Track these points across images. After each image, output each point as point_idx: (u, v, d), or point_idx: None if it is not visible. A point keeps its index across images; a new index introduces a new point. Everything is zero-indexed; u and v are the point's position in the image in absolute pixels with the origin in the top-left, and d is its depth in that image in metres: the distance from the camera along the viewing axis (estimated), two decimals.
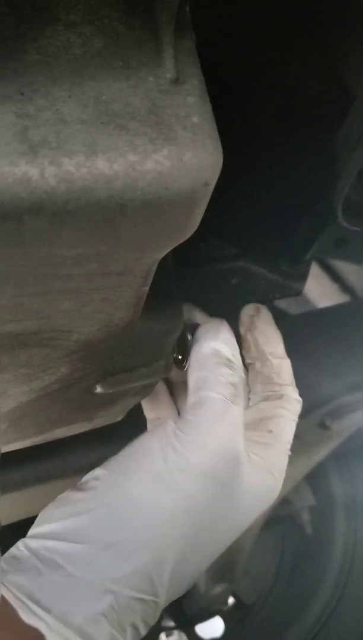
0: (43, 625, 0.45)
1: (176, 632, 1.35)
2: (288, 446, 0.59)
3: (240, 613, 1.37)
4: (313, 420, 0.97)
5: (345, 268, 1.44)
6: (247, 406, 0.61)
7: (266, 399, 0.61)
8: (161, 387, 0.67)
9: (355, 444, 1.13)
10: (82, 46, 0.35)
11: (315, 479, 1.29)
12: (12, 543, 0.52)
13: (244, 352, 0.64)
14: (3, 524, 0.73)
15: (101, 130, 0.34)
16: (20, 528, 0.56)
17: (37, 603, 0.46)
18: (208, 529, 0.53)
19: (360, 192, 0.56)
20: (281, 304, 1.18)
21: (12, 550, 0.51)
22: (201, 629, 1.34)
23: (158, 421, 0.66)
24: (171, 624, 1.33)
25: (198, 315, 0.62)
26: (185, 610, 1.27)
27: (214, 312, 0.65)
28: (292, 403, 0.61)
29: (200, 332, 0.60)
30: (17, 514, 0.76)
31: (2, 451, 0.61)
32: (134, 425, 0.68)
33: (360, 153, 0.52)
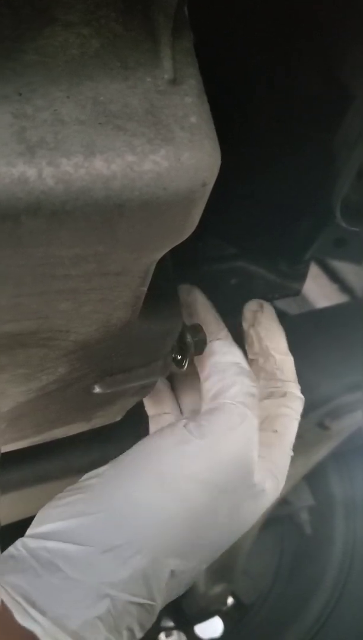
0: (38, 629, 0.45)
1: (175, 632, 1.35)
2: (291, 446, 0.59)
3: (239, 613, 1.37)
4: (313, 420, 0.97)
5: (345, 268, 1.44)
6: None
7: (270, 396, 0.61)
8: (162, 384, 0.67)
9: (355, 444, 1.13)
10: (80, 46, 0.35)
11: (314, 479, 1.29)
12: (11, 543, 0.52)
13: (247, 348, 0.63)
14: (3, 523, 0.73)
15: (98, 131, 0.34)
16: (20, 528, 0.56)
17: (33, 605, 0.46)
18: (209, 534, 0.52)
19: (358, 191, 0.56)
20: (281, 304, 1.18)
21: (10, 549, 0.50)
22: (200, 629, 1.34)
23: (163, 419, 0.65)
24: (171, 624, 1.33)
25: (198, 295, 0.62)
26: (184, 611, 1.27)
27: None
28: (295, 401, 0.60)
29: (216, 344, 0.59)
30: (16, 514, 0.76)
31: (2, 451, 0.61)
32: (133, 425, 0.68)
33: (359, 152, 0.52)
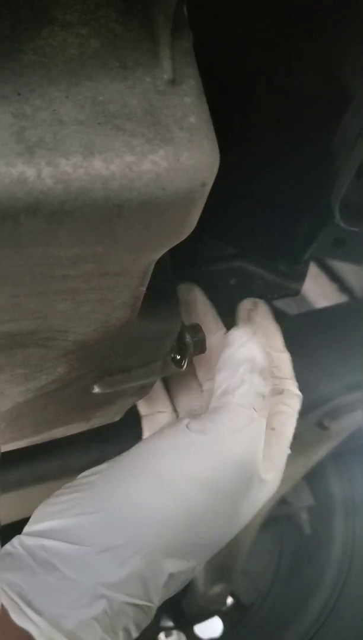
0: (34, 629, 0.45)
1: (174, 632, 1.35)
2: (289, 443, 0.59)
3: (239, 613, 1.37)
4: (312, 420, 0.97)
5: (344, 268, 1.43)
6: None
7: None
8: (156, 383, 0.66)
9: (354, 444, 1.13)
10: (79, 47, 0.35)
11: (313, 479, 1.29)
12: None
13: None
14: (3, 523, 0.73)
15: (97, 131, 0.34)
16: (18, 528, 0.56)
17: (29, 604, 0.46)
18: (208, 534, 0.52)
19: (358, 191, 0.56)
20: (280, 304, 1.18)
21: (7, 546, 0.50)
22: (199, 629, 1.34)
23: (157, 418, 0.65)
24: (170, 624, 1.33)
25: (197, 294, 0.61)
26: (184, 610, 1.27)
27: None
28: (293, 398, 0.60)
29: (234, 334, 0.57)
30: (15, 514, 0.76)
31: (1, 451, 0.61)
32: (132, 425, 0.68)
33: (358, 152, 0.53)
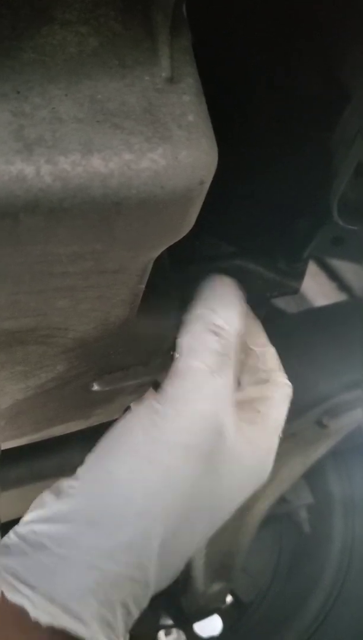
0: (27, 602, 0.45)
1: (174, 631, 1.35)
2: (278, 426, 0.58)
3: (238, 611, 1.37)
4: (311, 418, 0.97)
5: (343, 267, 1.43)
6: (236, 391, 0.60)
7: (254, 384, 0.60)
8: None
9: (353, 442, 1.13)
10: (78, 45, 0.36)
11: (312, 477, 1.29)
12: None
13: None
14: (2, 520, 0.73)
15: (96, 129, 0.34)
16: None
17: (23, 582, 0.46)
18: (194, 502, 0.52)
19: (356, 189, 0.56)
20: (279, 302, 1.18)
21: (4, 540, 0.51)
22: (199, 627, 1.34)
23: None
24: (170, 622, 1.33)
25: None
26: (183, 609, 1.27)
27: None
28: (280, 386, 0.59)
29: (197, 292, 0.57)
30: (14, 512, 0.77)
31: (1, 448, 0.61)
32: None
33: (356, 150, 0.53)
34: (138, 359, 0.58)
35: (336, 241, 0.68)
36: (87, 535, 0.49)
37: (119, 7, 0.37)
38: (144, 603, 0.50)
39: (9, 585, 0.46)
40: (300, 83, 0.55)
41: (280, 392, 0.59)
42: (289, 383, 0.60)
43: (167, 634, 1.34)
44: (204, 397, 0.52)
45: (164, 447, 0.51)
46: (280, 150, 0.59)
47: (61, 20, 0.35)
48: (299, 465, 1.07)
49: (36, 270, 0.39)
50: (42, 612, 0.45)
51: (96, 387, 0.57)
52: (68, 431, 0.66)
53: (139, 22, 0.37)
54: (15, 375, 0.50)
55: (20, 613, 0.45)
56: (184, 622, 1.33)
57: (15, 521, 0.52)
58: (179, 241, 0.41)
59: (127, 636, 0.50)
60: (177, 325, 0.57)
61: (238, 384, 0.61)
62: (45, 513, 0.50)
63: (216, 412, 0.53)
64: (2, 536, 0.51)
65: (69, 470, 0.54)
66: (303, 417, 0.94)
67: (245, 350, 0.61)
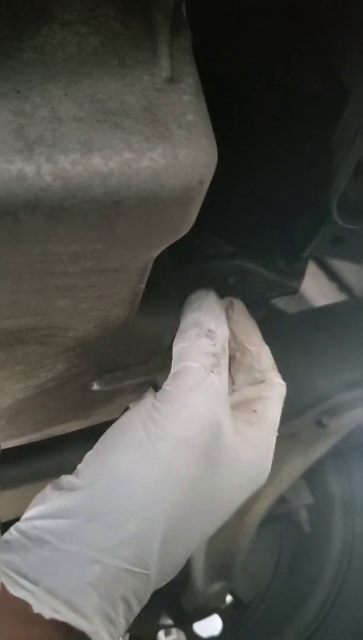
0: (30, 596, 0.46)
1: (174, 630, 1.35)
2: (275, 426, 0.59)
3: (238, 611, 1.37)
4: (311, 418, 0.97)
5: (343, 267, 1.44)
6: (231, 392, 0.60)
7: (249, 384, 0.61)
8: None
9: (353, 442, 1.13)
10: (78, 45, 0.36)
11: (312, 477, 1.29)
12: None
13: None
14: (2, 520, 0.73)
15: (96, 128, 0.34)
16: None
17: (25, 577, 0.47)
18: (195, 500, 0.52)
19: (356, 189, 0.56)
20: (279, 302, 1.18)
21: (5, 535, 0.51)
22: (199, 627, 1.34)
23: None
24: (169, 622, 1.33)
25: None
26: (183, 608, 1.27)
27: None
28: (275, 386, 0.61)
29: (185, 303, 0.60)
30: (14, 511, 0.77)
31: (1, 448, 0.61)
32: None
33: (356, 149, 0.53)
34: (137, 358, 0.58)
35: (336, 241, 0.68)
36: (89, 530, 0.49)
37: (119, 7, 0.37)
38: (145, 598, 0.51)
39: (11, 580, 0.46)
40: (300, 81, 0.55)
41: (275, 392, 0.60)
42: (283, 382, 0.62)
43: (167, 634, 1.35)
44: (203, 395, 0.53)
45: (164, 443, 0.52)
46: (279, 148, 0.59)
47: (61, 20, 0.35)
48: (299, 465, 1.07)
49: (36, 270, 0.39)
50: (45, 606, 0.45)
51: (95, 387, 0.57)
52: (68, 431, 0.66)
53: (139, 22, 0.37)
54: (15, 375, 0.51)
55: (21, 608, 0.46)
56: (184, 622, 1.33)
57: (16, 521, 0.53)
58: (179, 240, 0.41)
59: (127, 635, 0.50)
60: (177, 325, 0.57)
61: (233, 382, 0.62)
62: (46, 509, 0.51)
63: (214, 411, 0.54)
64: (2, 535, 0.52)
65: (69, 470, 0.54)
66: (302, 416, 0.94)
67: (240, 349, 0.62)
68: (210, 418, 0.53)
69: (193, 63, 0.38)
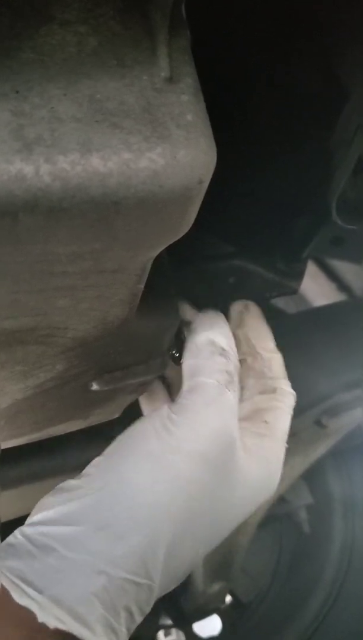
0: (35, 605, 0.45)
1: (173, 631, 1.35)
2: (285, 437, 0.59)
3: (238, 611, 1.37)
4: (310, 418, 0.97)
5: (343, 267, 1.43)
6: (241, 400, 0.61)
7: (260, 392, 0.61)
8: (157, 384, 0.67)
9: (353, 442, 1.13)
10: (77, 45, 0.36)
11: (312, 477, 1.29)
12: None
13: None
14: (2, 520, 0.73)
15: (95, 129, 0.34)
16: (19, 525, 0.56)
17: (30, 585, 0.46)
18: (203, 513, 0.53)
19: (355, 188, 0.56)
20: (279, 302, 1.18)
21: (9, 538, 0.51)
22: (198, 627, 1.34)
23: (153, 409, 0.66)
24: (169, 622, 1.33)
25: (187, 309, 0.63)
26: (183, 609, 1.27)
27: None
28: (286, 396, 0.61)
29: (196, 322, 0.60)
30: (13, 512, 0.77)
31: (1, 448, 0.61)
32: (131, 422, 0.68)
33: (355, 148, 0.53)
34: (137, 358, 0.58)
35: (335, 241, 0.68)
36: (96, 538, 0.49)
37: (118, 7, 0.37)
38: (148, 608, 0.51)
39: (17, 588, 0.46)
40: (300, 81, 0.55)
41: (285, 401, 0.61)
42: (293, 392, 0.62)
43: (166, 634, 1.34)
44: (218, 411, 0.54)
45: (177, 455, 0.52)
46: (279, 148, 0.59)
47: (60, 20, 0.35)
48: (298, 465, 1.07)
49: (36, 270, 0.39)
50: (50, 616, 0.45)
51: (95, 387, 0.57)
52: (68, 431, 0.66)
53: (138, 22, 0.37)
54: (14, 375, 0.50)
55: (25, 616, 0.45)
56: (184, 622, 1.33)
57: (15, 521, 0.52)
58: (178, 240, 0.41)
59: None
60: (176, 325, 0.57)
61: (242, 388, 0.62)
62: (53, 514, 0.50)
63: (227, 424, 0.54)
64: (2, 536, 0.51)
65: (69, 470, 0.54)
66: (302, 416, 0.94)
67: (252, 353, 0.62)
68: (224, 433, 0.54)
69: (192, 63, 0.38)
